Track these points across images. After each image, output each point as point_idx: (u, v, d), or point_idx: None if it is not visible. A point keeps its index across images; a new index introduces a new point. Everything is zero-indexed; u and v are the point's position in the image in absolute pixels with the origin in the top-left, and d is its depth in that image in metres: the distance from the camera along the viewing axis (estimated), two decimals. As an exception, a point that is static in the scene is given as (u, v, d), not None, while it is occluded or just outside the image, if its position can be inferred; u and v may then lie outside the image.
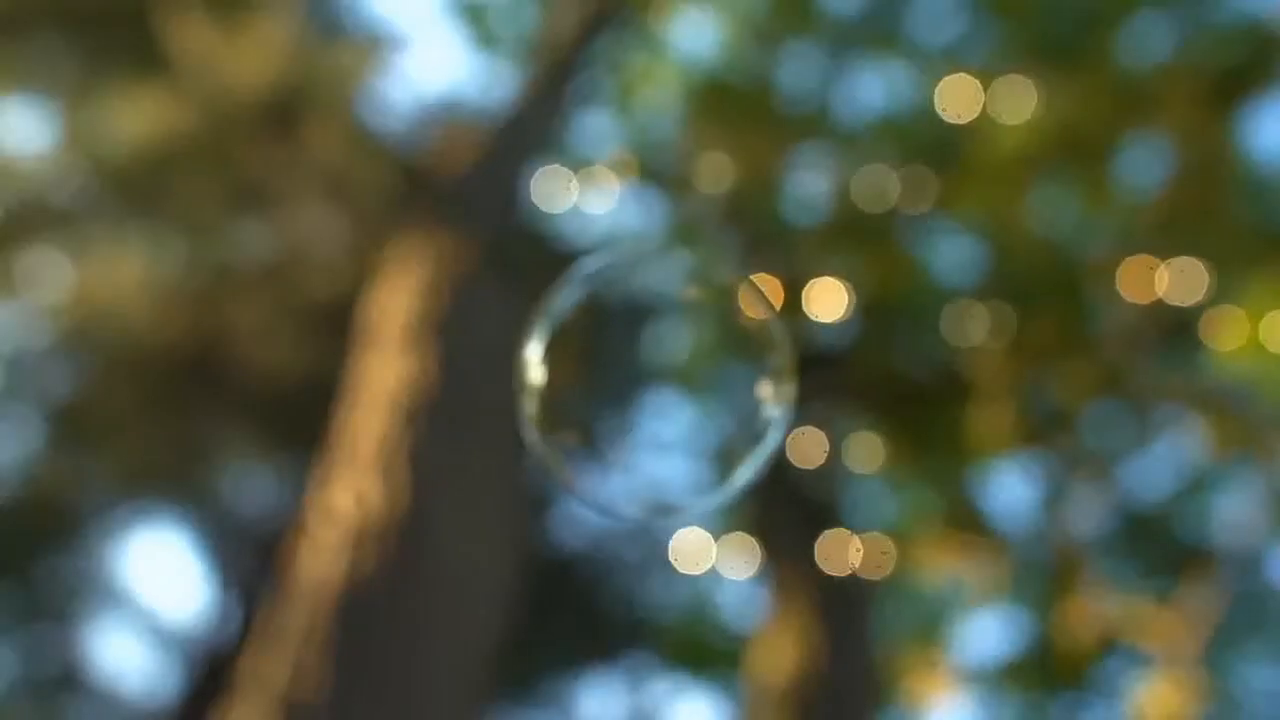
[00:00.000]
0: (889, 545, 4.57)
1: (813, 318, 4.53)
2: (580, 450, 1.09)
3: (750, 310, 1.12)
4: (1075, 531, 4.85)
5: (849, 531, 4.46)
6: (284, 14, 5.60)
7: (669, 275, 1.14)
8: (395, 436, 3.05)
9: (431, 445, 3.04)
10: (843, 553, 4.40)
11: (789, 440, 4.26)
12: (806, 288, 4.55)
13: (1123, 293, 4.14)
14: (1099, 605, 4.69)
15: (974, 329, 4.49)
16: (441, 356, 3.30)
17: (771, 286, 4.49)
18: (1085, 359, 4.44)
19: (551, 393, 1.09)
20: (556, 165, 5.31)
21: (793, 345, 1.11)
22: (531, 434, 1.10)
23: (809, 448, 4.40)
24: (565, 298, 1.12)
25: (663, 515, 1.11)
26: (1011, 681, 5.18)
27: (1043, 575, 4.85)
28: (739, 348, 1.10)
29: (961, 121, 4.56)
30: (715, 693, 6.14)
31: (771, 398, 1.09)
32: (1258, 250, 4.17)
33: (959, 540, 4.82)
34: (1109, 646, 4.68)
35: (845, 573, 4.38)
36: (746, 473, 1.08)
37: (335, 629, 2.65)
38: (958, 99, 4.56)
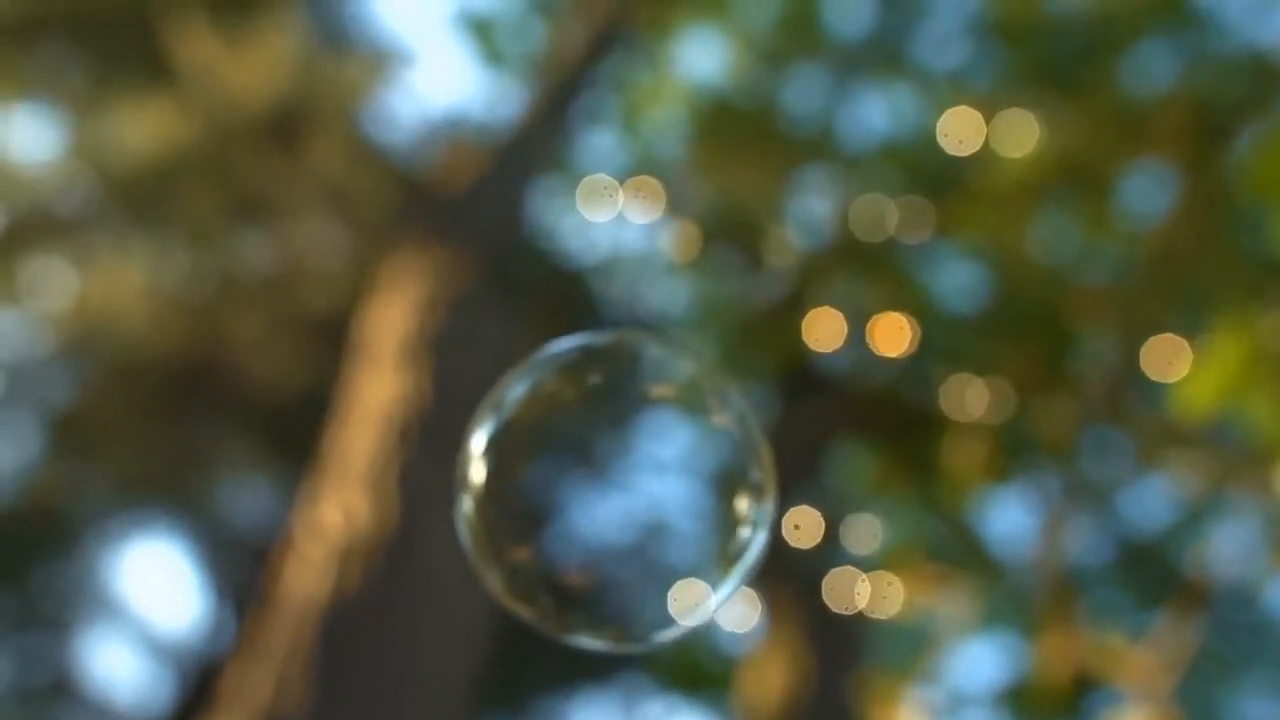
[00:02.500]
0: (895, 580, 4.54)
1: (876, 351, 4.51)
2: (523, 561, 0.96)
3: (729, 415, 0.98)
4: (1065, 562, 4.83)
5: (854, 569, 4.44)
6: (289, 27, 5.63)
7: (641, 370, 1.00)
8: (386, 453, 3.05)
9: (423, 463, 3.04)
10: (849, 589, 4.38)
11: (784, 521, 4.22)
12: (870, 322, 4.53)
13: (1146, 371, 4.13)
14: (1085, 637, 4.67)
15: (967, 358, 4.48)
16: (436, 373, 3.30)
17: (831, 320, 4.47)
18: (1069, 391, 4.44)
19: (493, 493, 0.96)
20: (569, 181, 5.33)
21: (773, 458, 0.97)
22: (467, 537, 0.97)
23: (805, 527, 4.36)
24: (518, 385, 0.99)
25: (626, 645, 0.96)
26: (999, 711, 5.16)
27: (1031, 606, 4.83)
28: (714, 460, 0.98)
29: (965, 151, 4.56)
30: (708, 715, 6.12)
31: (750, 514, 0.96)
32: (1257, 280, 4.17)
33: (949, 570, 4.80)
34: (1094, 679, 4.65)
35: (853, 610, 4.36)
36: (723, 594, 0.95)
37: (320, 644, 2.65)
38: (961, 126, 4.56)
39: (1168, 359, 3.95)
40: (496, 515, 0.96)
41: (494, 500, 0.96)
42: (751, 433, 0.97)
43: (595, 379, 0.99)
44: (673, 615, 0.95)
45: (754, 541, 0.95)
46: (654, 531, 0.98)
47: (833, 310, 4.52)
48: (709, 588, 0.95)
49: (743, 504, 0.96)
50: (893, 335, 4.47)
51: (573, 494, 0.98)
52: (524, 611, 0.96)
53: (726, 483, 0.97)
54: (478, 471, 0.96)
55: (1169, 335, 3.99)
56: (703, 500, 0.98)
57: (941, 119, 4.60)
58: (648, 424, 0.99)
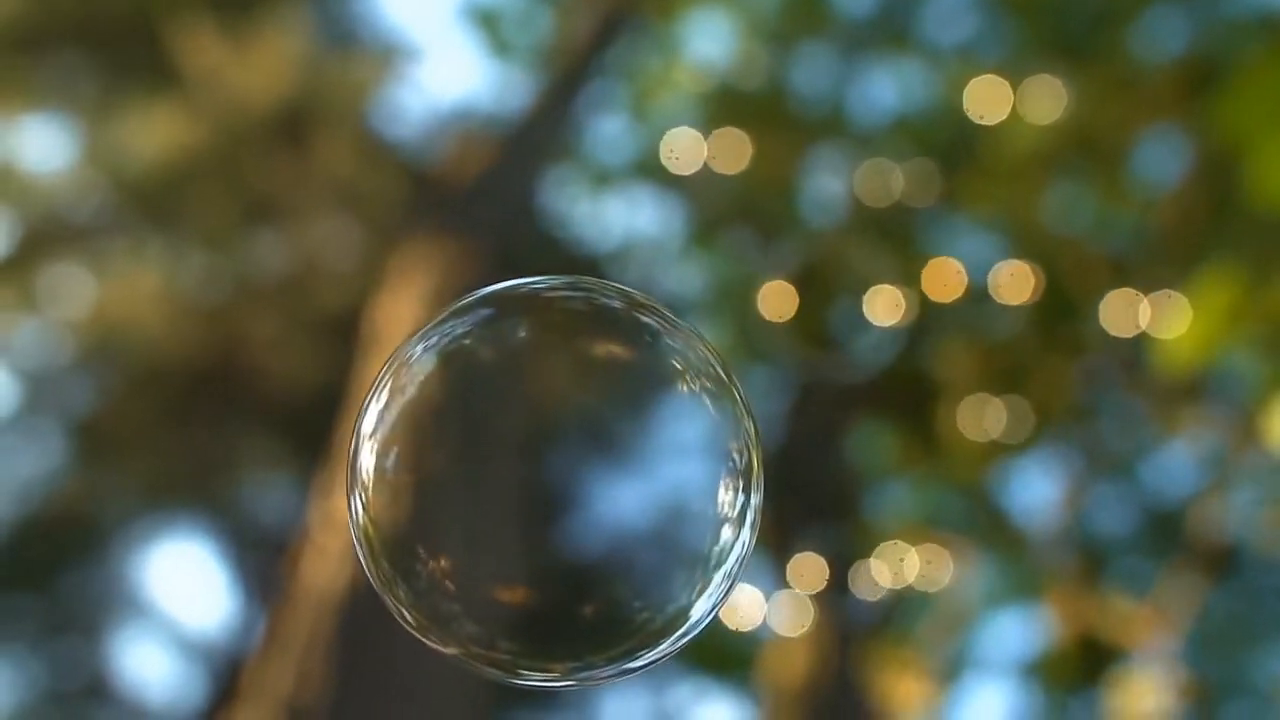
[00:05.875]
0: (939, 554, 4.53)
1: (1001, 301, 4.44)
2: (437, 577, 0.70)
3: (707, 384, 0.73)
4: (1085, 530, 4.82)
5: (900, 543, 4.43)
6: (295, 27, 5.65)
7: (590, 324, 0.74)
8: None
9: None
10: (895, 564, 4.36)
11: (790, 566, 4.16)
12: (994, 271, 4.47)
13: (1106, 326, 4.09)
14: (1104, 604, 4.66)
15: (981, 329, 4.47)
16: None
17: (951, 271, 4.41)
18: (1081, 359, 4.42)
19: (393, 488, 0.70)
20: (582, 169, 5.34)
21: (761, 443, 0.74)
22: (362, 549, 0.72)
23: (810, 575, 4.32)
24: (424, 344, 0.73)
25: (580, 682, 0.73)
26: (1028, 682, 5.16)
27: (1051, 575, 4.83)
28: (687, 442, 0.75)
29: (985, 121, 4.53)
30: (736, 696, 6.13)
31: (733, 511, 0.72)
32: (1273, 246, 4.13)
33: (970, 542, 4.80)
34: (1113, 646, 4.64)
35: (902, 585, 4.35)
36: (702, 609, 0.73)
37: (338, 635, 2.66)
38: (981, 97, 4.54)
39: (1129, 315, 3.93)
40: (398, 517, 0.71)
41: (393, 497, 0.71)
42: (736, 407, 0.74)
43: (525, 334, 0.74)
44: (637, 642, 0.72)
45: (736, 546, 0.72)
46: (612, 536, 0.74)
47: (951, 260, 4.43)
48: (684, 603, 0.73)
49: (723, 496, 0.72)
50: (1018, 283, 4.36)
51: (504, 488, 0.73)
52: (438, 643, 0.72)
53: (703, 470, 0.73)
54: (369, 459, 0.71)
55: (1127, 290, 3.96)
56: (673, 495, 0.74)
57: (966, 89, 4.57)
58: (599, 397, 0.75)
